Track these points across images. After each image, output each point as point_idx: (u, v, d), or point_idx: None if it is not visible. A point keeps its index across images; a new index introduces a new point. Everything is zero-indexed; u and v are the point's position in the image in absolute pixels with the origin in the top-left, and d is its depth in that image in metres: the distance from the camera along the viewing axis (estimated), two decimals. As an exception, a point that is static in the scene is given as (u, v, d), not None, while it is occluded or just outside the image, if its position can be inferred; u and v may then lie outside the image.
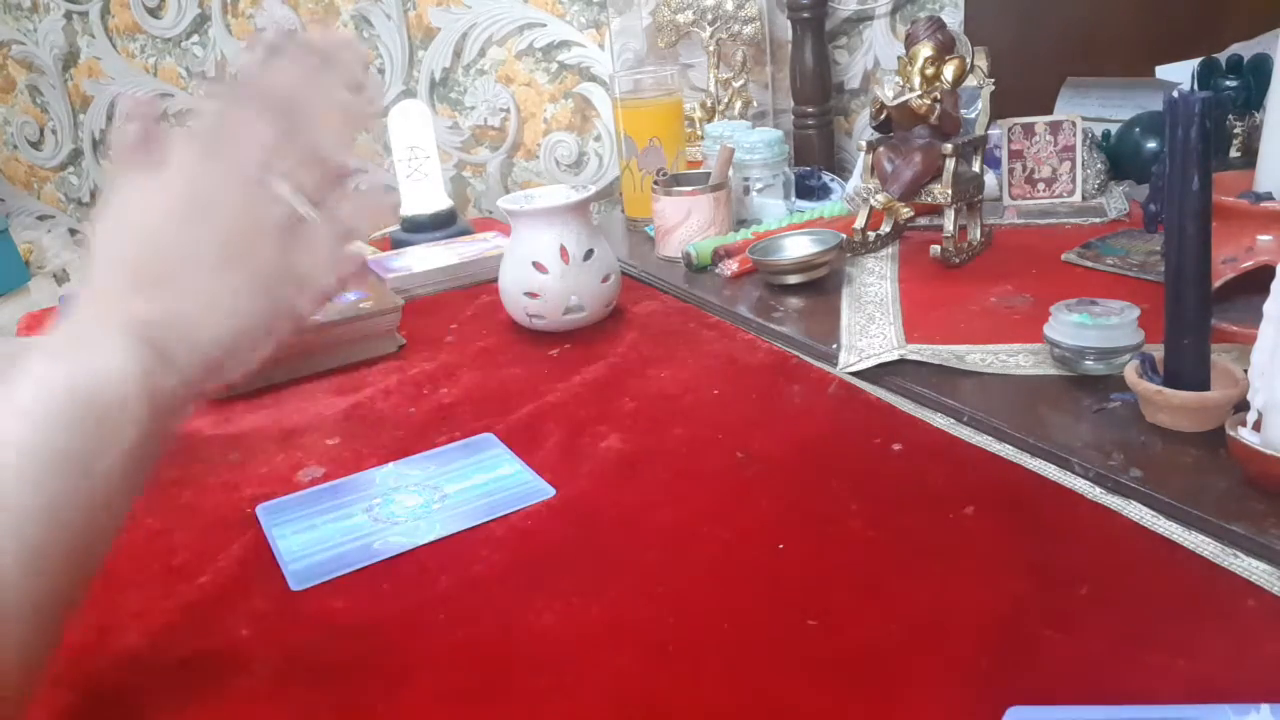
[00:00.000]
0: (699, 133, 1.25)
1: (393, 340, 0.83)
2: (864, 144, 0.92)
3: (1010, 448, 0.58)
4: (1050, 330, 0.64)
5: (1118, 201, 1.00)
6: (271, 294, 0.42)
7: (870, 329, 0.75)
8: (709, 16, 1.28)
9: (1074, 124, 0.99)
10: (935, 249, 0.87)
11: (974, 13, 1.19)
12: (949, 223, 0.87)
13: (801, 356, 0.74)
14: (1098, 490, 0.52)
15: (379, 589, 0.49)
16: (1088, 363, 0.63)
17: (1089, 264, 0.84)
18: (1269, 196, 0.63)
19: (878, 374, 0.68)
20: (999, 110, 0.94)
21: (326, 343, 0.80)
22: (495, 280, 0.85)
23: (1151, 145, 1.03)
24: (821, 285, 0.86)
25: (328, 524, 0.56)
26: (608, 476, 0.59)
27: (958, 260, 0.88)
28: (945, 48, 0.85)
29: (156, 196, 0.41)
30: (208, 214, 0.41)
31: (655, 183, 0.99)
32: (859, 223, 0.94)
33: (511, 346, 0.82)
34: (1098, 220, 0.96)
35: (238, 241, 0.41)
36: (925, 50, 0.85)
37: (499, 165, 1.59)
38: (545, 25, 1.47)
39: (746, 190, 1.08)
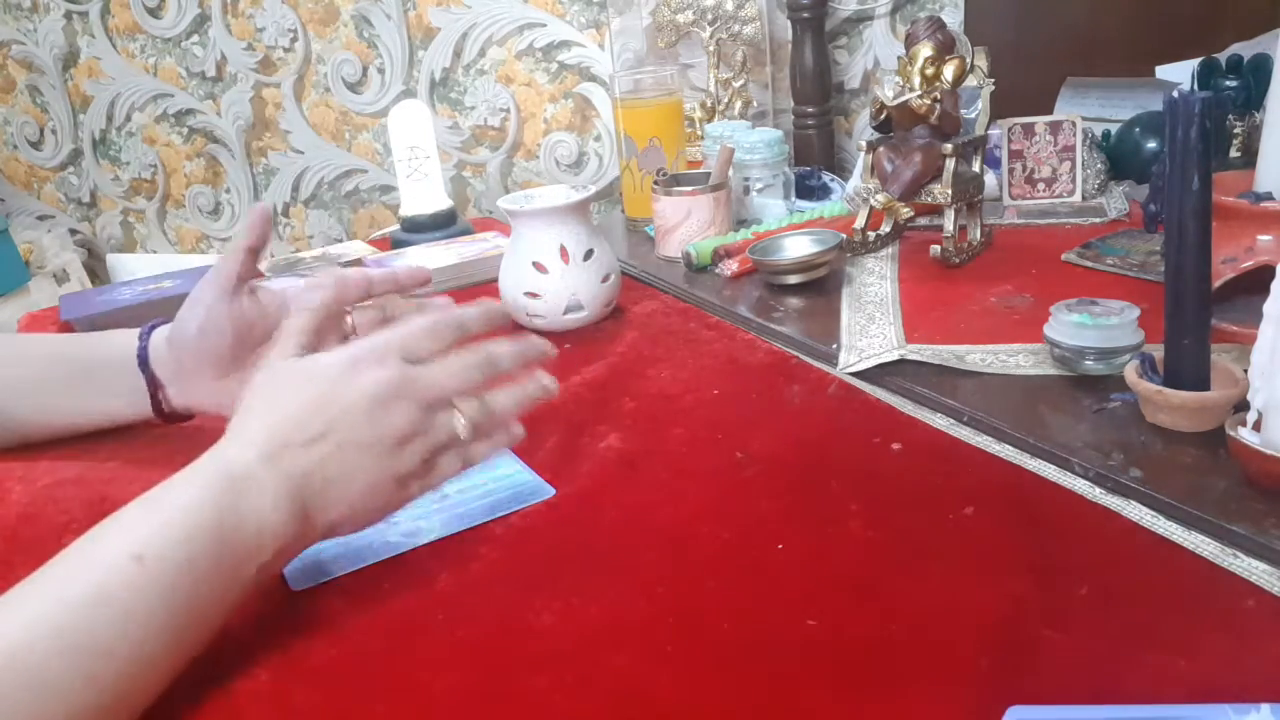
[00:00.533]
0: (699, 133, 1.25)
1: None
2: (864, 144, 0.92)
3: (1010, 448, 0.58)
4: (1050, 330, 0.64)
5: (1118, 201, 1.00)
6: (401, 490, 0.48)
7: (870, 329, 0.75)
8: (709, 16, 1.28)
9: (1074, 124, 0.99)
10: (935, 249, 0.87)
11: (974, 13, 1.19)
12: (949, 223, 0.87)
13: (801, 356, 0.74)
14: (1098, 490, 0.52)
15: (379, 589, 0.49)
16: (1088, 363, 0.63)
17: (1089, 264, 0.84)
18: (1269, 196, 0.63)
19: (878, 374, 0.68)
20: (999, 110, 0.94)
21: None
22: (495, 280, 0.85)
23: (1151, 145, 1.03)
24: (821, 285, 0.86)
25: (328, 524, 0.56)
26: (608, 476, 0.59)
27: (958, 260, 0.88)
28: (945, 48, 0.85)
29: (352, 375, 0.47)
30: (389, 411, 0.47)
31: (655, 183, 0.99)
32: (859, 223, 0.94)
33: (511, 346, 0.82)
34: (1098, 220, 0.96)
35: (403, 444, 0.47)
36: (925, 50, 0.85)
37: (499, 165, 1.59)
38: (545, 25, 1.47)
39: (746, 190, 1.08)
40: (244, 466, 0.44)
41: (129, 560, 0.39)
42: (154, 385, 0.65)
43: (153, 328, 0.66)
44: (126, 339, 0.65)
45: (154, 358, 0.64)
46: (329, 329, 0.53)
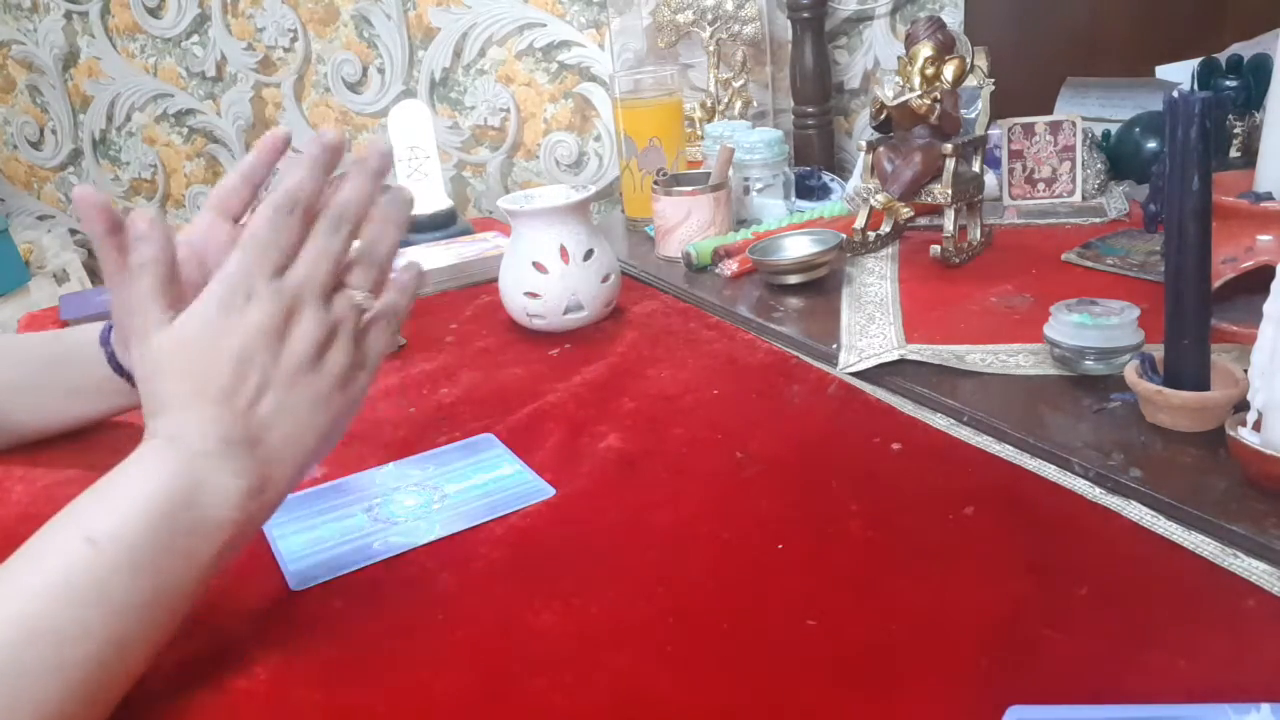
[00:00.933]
0: (699, 133, 1.25)
1: (392, 340, 0.83)
2: (864, 144, 0.92)
3: (1010, 448, 0.58)
4: (1050, 330, 0.64)
5: (1118, 201, 1.00)
6: (348, 391, 0.46)
7: (870, 329, 0.75)
8: (709, 16, 1.28)
9: (1074, 124, 0.99)
10: (935, 249, 0.87)
11: (974, 13, 1.19)
12: (949, 223, 0.87)
13: (801, 356, 0.74)
14: (1098, 490, 0.52)
15: (379, 589, 0.49)
16: (1088, 363, 0.63)
17: (1089, 264, 0.84)
18: (1269, 196, 0.63)
19: (878, 374, 0.68)
20: (999, 110, 0.94)
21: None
22: (495, 280, 0.85)
23: (1151, 145, 1.03)
24: (821, 285, 0.86)
25: (327, 524, 0.56)
26: (608, 476, 0.59)
27: (958, 260, 0.88)
28: (945, 48, 0.85)
29: (238, 316, 0.44)
30: (293, 329, 0.45)
31: (655, 183, 0.99)
32: (859, 223, 0.94)
33: (511, 346, 0.82)
34: (1098, 220, 0.96)
35: (322, 350, 0.45)
36: (925, 50, 0.85)
37: (499, 165, 1.59)
38: (545, 25, 1.47)
39: (746, 190, 1.08)
40: (180, 435, 0.43)
41: (82, 544, 0.39)
42: (126, 376, 0.64)
43: (108, 328, 0.65)
44: (98, 325, 0.65)
45: (118, 352, 0.64)
46: (175, 284, 0.47)
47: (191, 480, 0.42)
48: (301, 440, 0.45)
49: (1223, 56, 0.96)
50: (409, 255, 1.06)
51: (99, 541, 0.39)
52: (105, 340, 0.65)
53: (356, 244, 0.48)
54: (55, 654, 0.37)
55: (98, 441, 0.68)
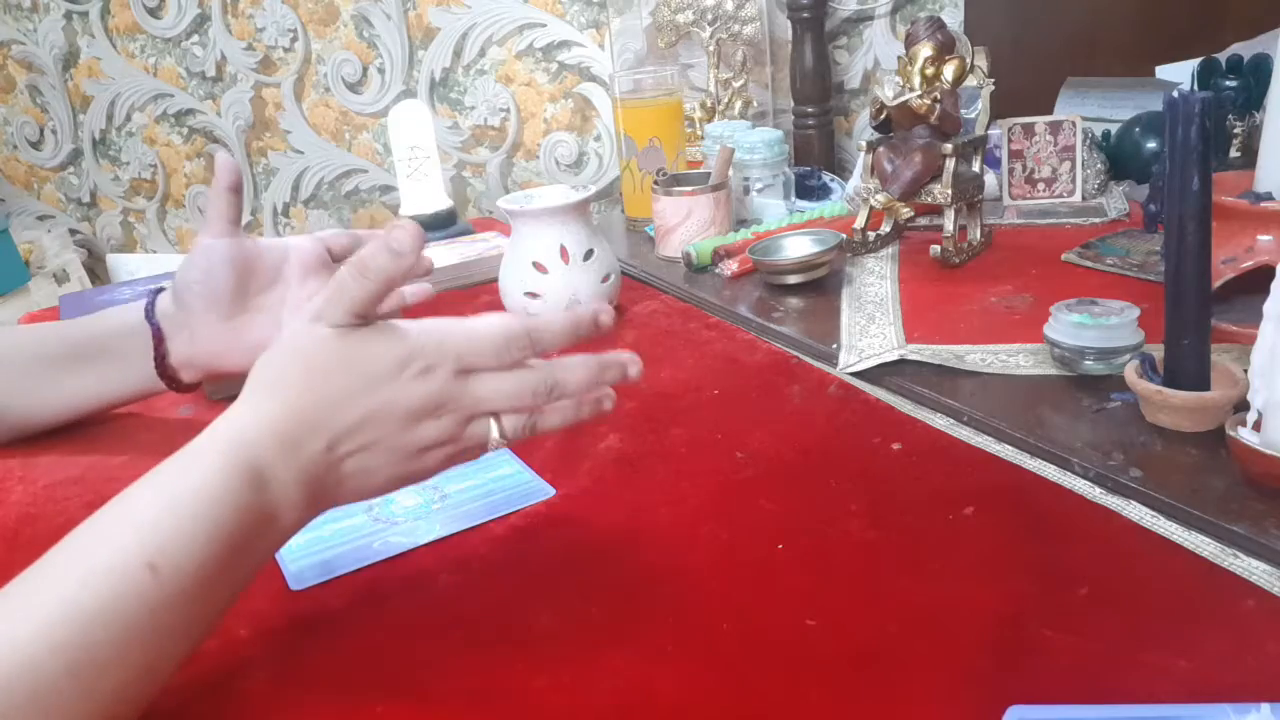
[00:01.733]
0: (699, 133, 1.25)
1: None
2: (864, 144, 0.92)
3: (1010, 448, 0.58)
4: (1050, 330, 0.64)
5: (1118, 201, 1.00)
6: (409, 480, 0.46)
7: (870, 329, 0.75)
8: (709, 16, 1.28)
9: (1074, 124, 0.99)
10: (935, 249, 0.87)
11: (974, 13, 1.19)
12: (949, 223, 0.87)
13: (801, 356, 0.74)
14: (1098, 490, 0.52)
15: (379, 589, 0.49)
16: (1088, 363, 0.63)
17: (1089, 264, 0.84)
18: (1269, 196, 0.63)
19: (878, 374, 0.68)
20: (999, 110, 0.94)
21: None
22: (495, 280, 0.85)
23: (1151, 145, 1.03)
24: (821, 285, 0.86)
25: (327, 524, 0.56)
26: (608, 476, 0.59)
27: (958, 260, 0.88)
28: (945, 48, 0.85)
29: (401, 379, 0.43)
30: (433, 421, 0.44)
31: (655, 183, 0.99)
32: (859, 223, 0.94)
33: (511, 346, 0.82)
34: (1098, 220, 0.96)
35: (432, 450, 0.44)
36: (925, 50, 0.85)
37: (499, 165, 1.59)
38: (545, 25, 1.47)
39: (746, 190, 1.08)
40: (263, 458, 0.41)
41: (143, 570, 0.37)
42: (159, 339, 0.65)
43: (158, 291, 0.67)
44: (131, 305, 0.67)
45: (160, 310, 0.66)
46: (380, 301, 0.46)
47: (262, 515, 0.41)
48: (359, 494, 0.45)
49: (1223, 56, 0.96)
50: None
51: (160, 570, 0.37)
52: (152, 294, 0.66)
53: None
54: (92, 684, 0.36)
55: (98, 441, 0.68)
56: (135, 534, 0.38)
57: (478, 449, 0.46)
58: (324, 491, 0.43)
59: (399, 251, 0.43)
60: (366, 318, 0.44)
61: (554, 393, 0.45)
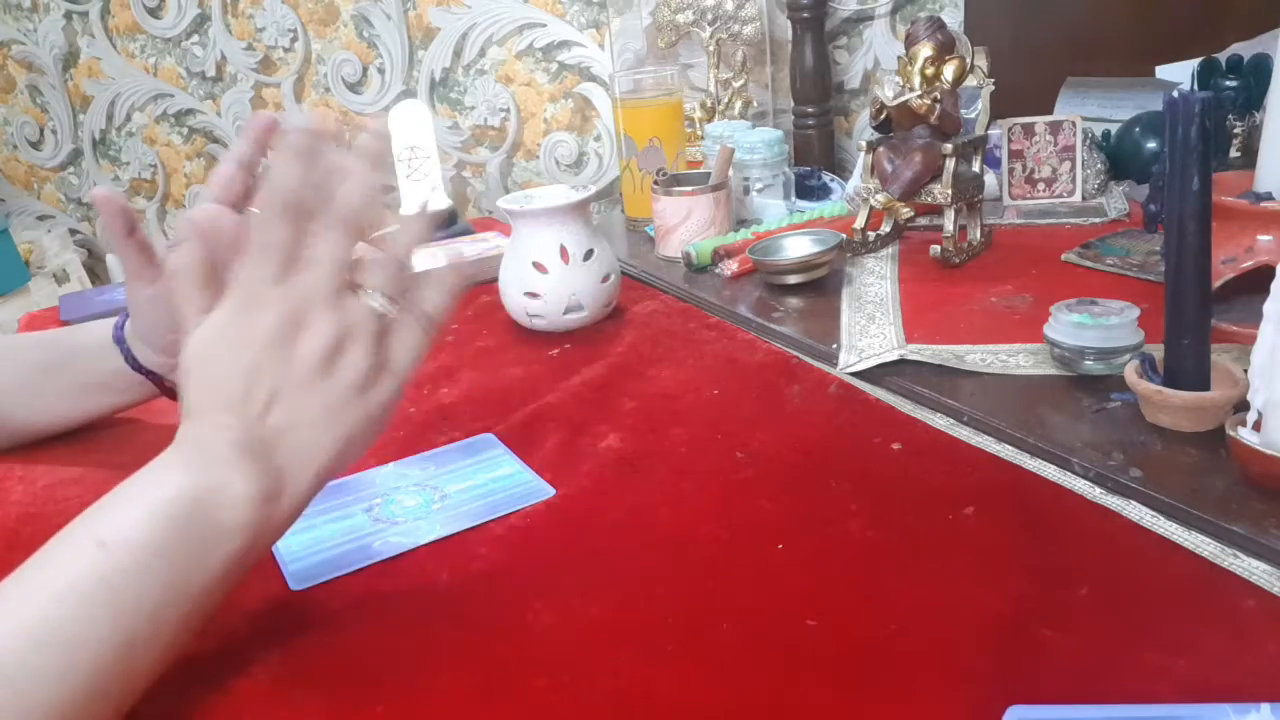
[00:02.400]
0: (699, 133, 1.25)
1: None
2: (864, 144, 0.92)
3: (1010, 448, 0.58)
4: (1050, 330, 0.64)
5: (1118, 201, 1.00)
6: (368, 396, 0.44)
7: (870, 329, 0.75)
8: (709, 16, 1.28)
9: (1074, 124, 0.99)
10: (935, 249, 0.87)
11: (974, 13, 1.19)
12: (949, 223, 0.87)
13: (801, 356, 0.74)
14: (1098, 490, 0.52)
15: (379, 589, 0.49)
16: (1088, 363, 0.63)
17: (1089, 264, 0.84)
18: (1269, 196, 0.63)
19: (878, 374, 0.68)
20: (999, 110, 0.94)
21: None
22: (495, 280, 0.85)
23: (1151, 145, 1.03)
24: (821, 285, 0.86)
25: (327, 524, 0.56)
26: (607, 476, 0.59)
27: (958, 260, 0.88)
28: (945, 48, 0.85)
29: (247, 324, 0.43)
30: (302, 335, 0.43)
31: (655, 183, 0.99)
32: (859, 223, 0.94)
33: (511, 346, 0.82)
34: (1098, 220, 0.96)
35: (335, 355, 0.44)
36: (925, 50, 0.85)
37: (499, 165, 1.59)
38: (545, 25, 1.47)
39: (746, 190, 1.08)
40: (207, 442, 0.42)
41: (92, 547, 0.39)
42: (124, 346, 0.65)
43: (119, 339, 0.66)
44: (106, 321, 0.66)
45: (127, 330, 0.65)
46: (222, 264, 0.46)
47: (202, 486, 0.41)
48: (317, 447, 0.44)
49: (1223, 56, 0.96)
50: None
51: (108, 544, 0.39)
52: (119, 336, 0.65)
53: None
54: (64, 659, 0.37)
55: (98, 442, 0.68)
56: (83, 522, 0.41)
57: (377, 319, 0.45)
58: (266, 453, 0.43)
59: (185, 238, 0.47)
60: (213, 293, 0.46)
61: (349, 216, 0.45)
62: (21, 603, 0.38)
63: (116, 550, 0.39)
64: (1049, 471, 0.55)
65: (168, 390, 0.66)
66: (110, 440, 0.69)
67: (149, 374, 0.65)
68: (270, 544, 0.44)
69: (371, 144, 0.47)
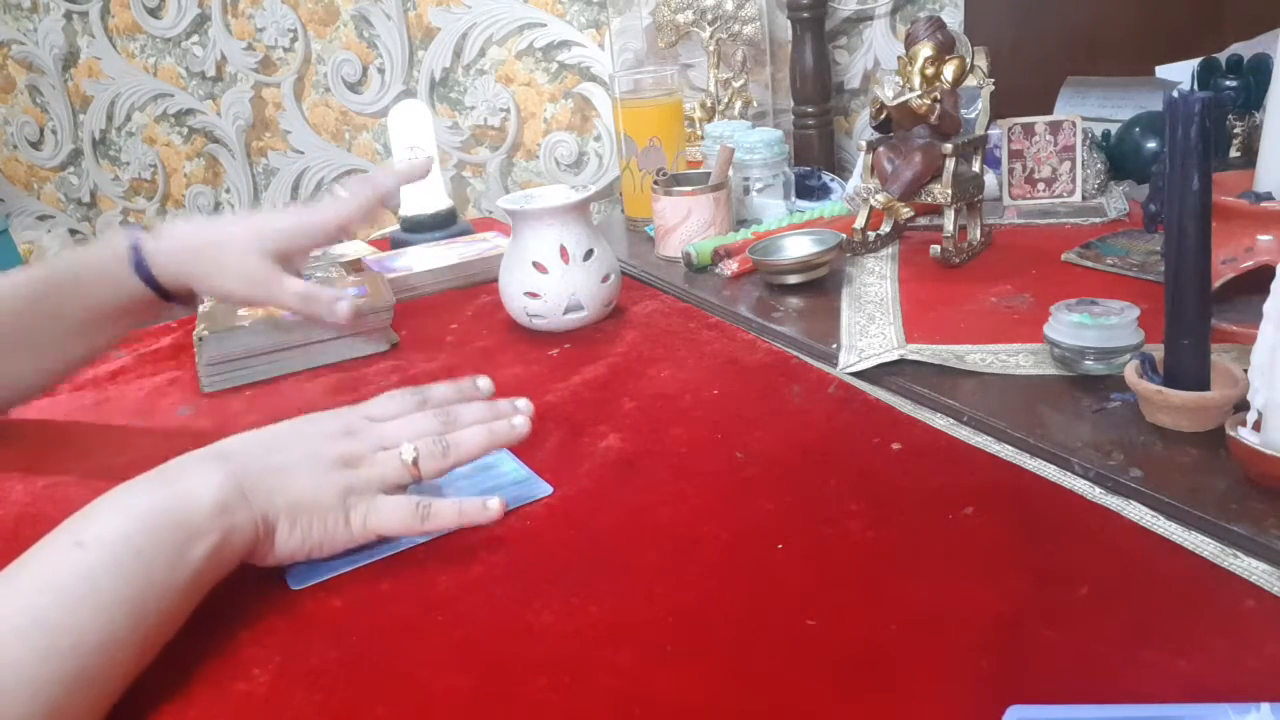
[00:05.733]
0: (699, 133, 1.25)
1: (385, 338, 0.83)
2: (864, 144, 0.92)
3: (1010, 448, 0.58)
4: (1050, 330, 0.64)
5: (1118, 201, 1.00)
6: (344, 504, 0.50)
7: (870, 329, 0.75)
8: (709, 16, 1.28)
9: (1074, 124, 0.99)
10: (935, 249, 0.87)
11: (974, 13, 1.19)
12: (949, 223, 0.87)
13: (801, 356, 0.74)
14: (1098, 490, 0.52)
15: (378, 589, 0.49)
16: (1088, 363, 0.63)
17: (1089, 264, 0.84)
18: (1269, 196, 0.63)
19: (878, 374, 0.68)
20: (999, 110, 0.94)
21: (315, 339, 0.80)
22: (495, 280, 0.85)
23: (1151, 145, 1.03)
24: (821, 285, 0.86)
25: (327, 524, 0.55)
26: (607, 476, 0.59)
27: (958, 260, 0.88)
28: (945, 48, 0.85)
29: (299, 425, 0.53)
30: (337, 440, 0.52)
31: (655, 183, 0.99)
32: (859, 223, 0.94)
33: (511, 346, 0.82)
34: (1098, 220, 0.96)
35: (346, 463, 0.51)
36: (925, 50, 0.85)
37: (499, 165, 1.59)
38: (545, 25, 1.47)
39: (746, 190, 1.08)
40: (184, 463, 0.48)
41: (71, 547, 0.42)
42: (136, 251, 0.65)
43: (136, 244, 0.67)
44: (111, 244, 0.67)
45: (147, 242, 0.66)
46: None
47: (171, 490, 0.45)
48: (285, 486, 0.49)
49: (1223, 56, 0.96)
50: (409, 255, 1.06)
51: (86, 543, 0.42)
52: (137, 257, 0.66)
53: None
54: (45, 644, 0.38)
55: (98, 443, 0.68)
56: (63, 528, 0.44)
57: (393, 471, 0.52)
58: (244, 474, 0.48)
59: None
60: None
61: (451, 423, 0.54)
62: (6, 597, 0.40)
63: (93, 548, 0.42)
64: (1049, 471, 0.55)
65: (179, 298, 0.68)
66: (111, 440, 0.69)
67: (163, 292, 0.66)
68: (245, 552, 0.48)
69: (519, 416, 0.56)
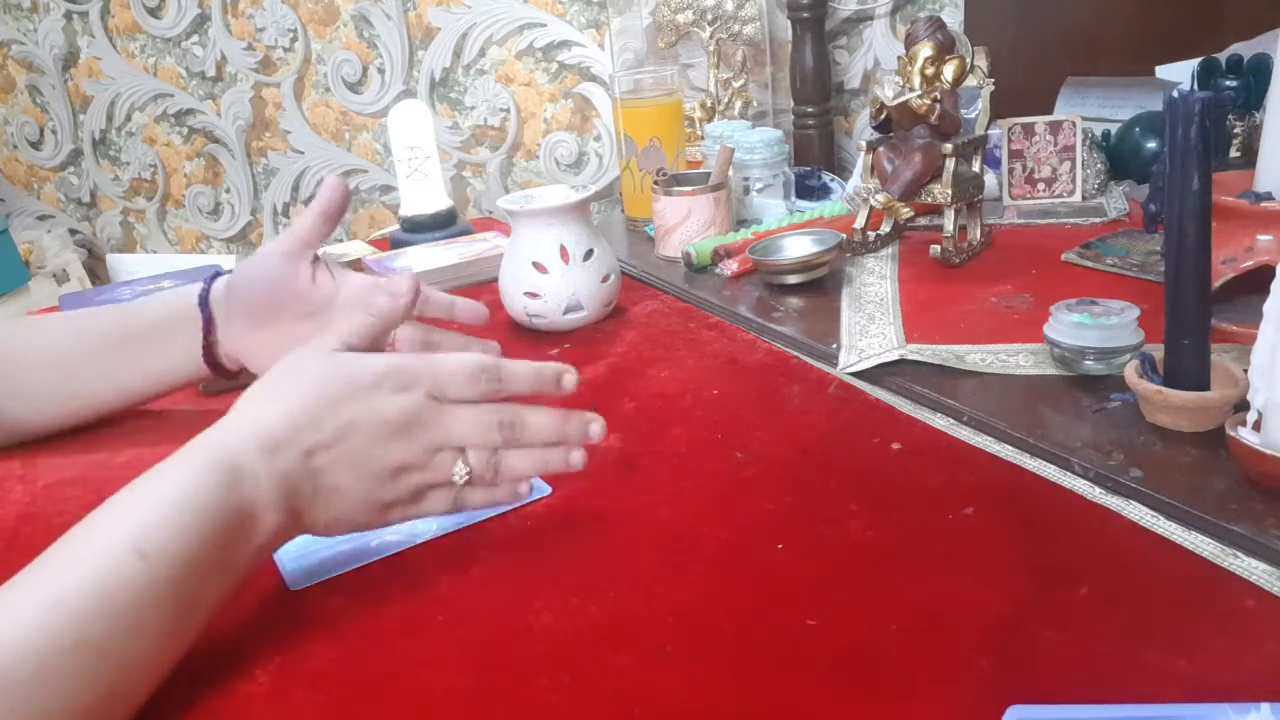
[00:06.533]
0: (699, 133, 1.25)
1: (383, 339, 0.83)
2: (864, 144, 0.92)
3: (1010, 448, 0.58)
4: (1050, 330, 0.64)
5: (1118, 201, 1.00)
6: (383, 513, 0.48)
7: (870, 329, 0.75)
8: (709, 16, 1.28)
9: (1074, 124, 0.99)
10: (935, 249, 0.87)
11: (974, 13, 1.19)
12: (949, 223, 0.87)
13: (801, 356, 0.74)
14: (1098, 490, 0.52)
15: (378, 588, 0.49)
16: (1088, 363, 0.63)
17: (1089, 264, 0.84)
18: (1269, 196, 0.63)
19: (878, 374, 0.68)
20: (999, 110, 0.94)
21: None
22: (495, 280, 0.85)
23: (1151, 145, 1.03)
24: (821, 285, 0.86)
25: (327, 524, 0.55)
26: (607, 476, 0.59)
27: (958, 260, 0.88)
28: (945, 48, 0.85)
29: (364, 396, 0.46)
30: (391, 441, 0.46)
31: (655, 183, 0.99)
32: (859, 223, 0.94)
33: (511, 346, 0.82)
34: (1098, 220, 0.96)
35: (398, 473, 0.47)
36: (925, 50, 0.85)
37: (499, 165, 1.59)
38: (545, 25, 1.47)
39: (746, 190, 1.08)
40: (242, 459, 0.44)
41: (132, 555, 0.39)
42: (209, 326, 0.66)
43: (215, 274, 0.68)
44: (185, 289, 0.68)
45: (213, 299, 0.67)
46: (378, 338, 0.51)
47: (241, 511, 0.43)
48: (331, 508, 0.47)
49: (1223, 56, 0.96)
50: (408, 255, 1.06)
51: (149, 555, 0.39)
52: (209, 279, 0.67)
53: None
54: (88, 665, 0.37)
55: (98, 442, 0.68)
56: (123, 526, 0.41)
57: (444, 483, 0.48)
58: (299, 499, 0.45)
59: (396, 294, 0.51)
60: (359, 348, 0.49)
61: (516, 429, 0.49)
62: (55, 606, 0.38)
63: (155, 561, 0.39)
64: (1049, 471, 0.55)
65: (215, 358, 0.67)
66: (111, 440, 0.69)
67: (209, 326, 0.66)
68: (268, 556, 0.47)
69: (592, 429, 0.52)
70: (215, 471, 0.43)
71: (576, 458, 0.50)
